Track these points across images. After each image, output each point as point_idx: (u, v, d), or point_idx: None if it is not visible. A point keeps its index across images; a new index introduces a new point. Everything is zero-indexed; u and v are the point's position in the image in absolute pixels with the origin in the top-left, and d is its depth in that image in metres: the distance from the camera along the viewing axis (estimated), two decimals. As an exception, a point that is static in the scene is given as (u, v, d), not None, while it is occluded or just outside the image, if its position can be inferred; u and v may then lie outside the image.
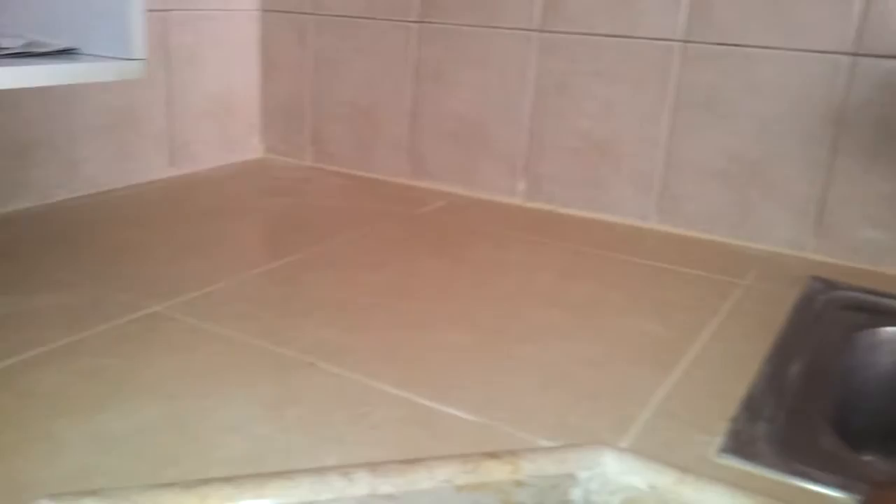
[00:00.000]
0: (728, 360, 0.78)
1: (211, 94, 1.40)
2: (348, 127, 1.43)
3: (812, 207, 1.09)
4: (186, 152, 1.37)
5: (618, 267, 1.04)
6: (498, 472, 0.57)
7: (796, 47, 1.06)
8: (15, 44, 0.91)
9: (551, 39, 1.22)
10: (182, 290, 0.88)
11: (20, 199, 1.13)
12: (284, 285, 0.93)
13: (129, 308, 0.82)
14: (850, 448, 0.64)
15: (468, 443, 0.61)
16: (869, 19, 1.01)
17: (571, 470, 0.59)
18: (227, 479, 0.54)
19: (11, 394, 0.65)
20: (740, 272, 1.02)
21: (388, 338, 0.80)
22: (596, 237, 1.15)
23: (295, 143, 1.50)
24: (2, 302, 0.82)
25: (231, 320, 0.81)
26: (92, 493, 0.52)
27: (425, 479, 0.56)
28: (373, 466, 0.56)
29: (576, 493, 0.59)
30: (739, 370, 0.75)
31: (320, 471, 0.55)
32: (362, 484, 0.54)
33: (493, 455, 0.58)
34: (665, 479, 0.58)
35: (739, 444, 0.62)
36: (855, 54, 1.03)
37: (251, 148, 1.51)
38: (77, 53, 0.95)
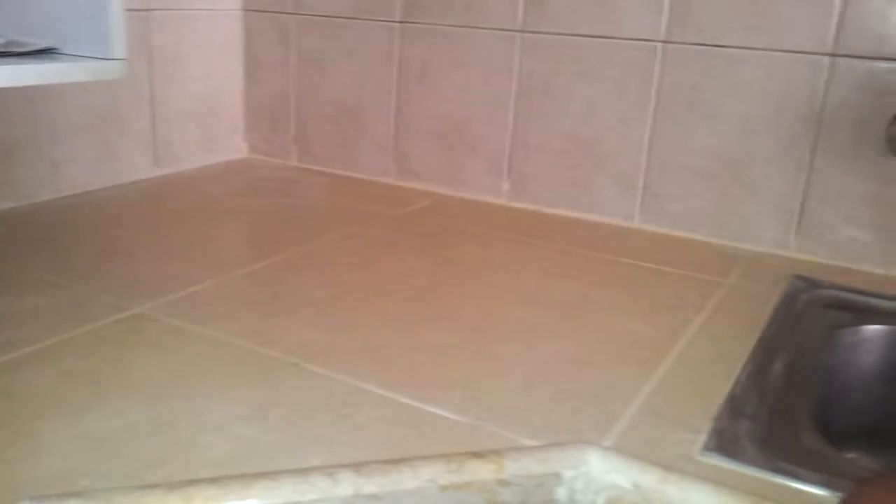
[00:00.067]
0: (712, 358, 0.79)
1: (194, 94, 1.39)
2: (332, 127, 1.43)
3: (794, 207, 1.10)
4: (170, 152, 1.36)
5: (602, 266, 1.04)
6: (482, 471, 0.57)
7: (777, 48, 1.06)
8: (-6, 43, 0.91)
9: (534, 40, 1.22)
10: (166, 290, 0.87)
11: (2, 199, 1.12)
12: (269, 286, 0.92)
13: (113, 309, 0.82)
14: (832, 445, 0.65)
15: (453, 442, 0.61)
16: (847, 20, 1.02)
17: (556, 469, 0.59)
18: (212, 480, 0.54)
19: (-7, 396, 0.65)
20: (724, 271, 1.03)
21: (372, 338, 0.80)
22: (580, 237, 1.15)
23: (279, 143, 1.50)
24: (-17, 303, 0.82)
25: (215, 321, 0.81)
26: (75, 494, 0.52)
27: (409, 479, 0.56)
28: (357, 467, 0.56)
29: (560, 492, 0.59)
30: (723, 368, 0.76)
31: (304, 471, 0.55)
32: (346, 484, 0.54)
33: (477, 454, 0.58)
34: (649, 478, 0.58)
35: (723, 442, 0.63)
36: (834, 55, 1.04)
37: (235, 148, 1.51)
38: (57, 53, 0.95)
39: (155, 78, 1.31)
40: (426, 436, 0.62)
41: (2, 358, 0.71)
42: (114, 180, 1.27)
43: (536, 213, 1.26)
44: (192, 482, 0.53)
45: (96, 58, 0.93)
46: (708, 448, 0.62)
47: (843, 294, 0.97)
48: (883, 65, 1.01)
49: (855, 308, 0.94)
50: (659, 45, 1.14)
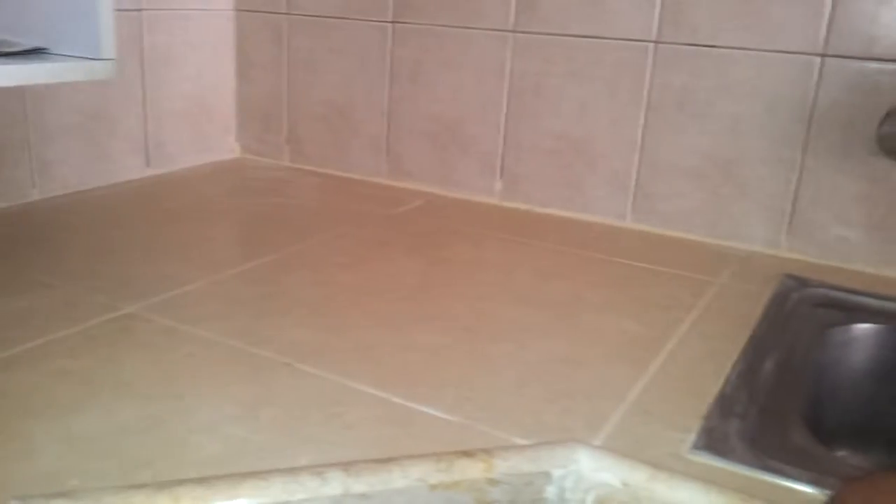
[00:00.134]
0: (702, 357, 0.79)
1: (186, 95, 1.39)
2: (325, 127, 1.43)
3: (785, 206, 1.10)
4: (162, 152, 1.36)
5: (594, 266, 1.04)
6: (472, 470, 0.57)
7: (768, 48, 1.07)
8: (-15, 43, 0.90)
9: (526, 40, 1.22)
10: (157, 290, 0.87)
11: (-7, 199, 1.12)
12: (260, 285, 0.92)
13: (104, 309, 0.82)
14: (822, 444, 0.65)
15: (444, 442, 0.61)
16: (837, 21, 1.02)
17: (545, 468, 0.59)
18: (200, 480, 0.54)
19: (-17, 396, 0.65)
20: (715, 270, 1.03)
21: (364, 337, 0.80)
22: (572, 236, 1.15)
23: (271, 143, 1.49)
24: (-27, 304, 0.82)
25: (207, 321, 0.81)
26: (62, 494, 0.52)
27: (399, 478, 0.56)
28: (346, 466, 0.56)
29: (550, 491, 0.59)
30: (714, 367, 0.76)
31: (293, 471, 0.55)
32: (336, 483, 0.54)
33: (466, 453, 0.58)
34: (638, 476, 0.58)
35: (712, 441, 0.63)
36: (824, 55, 1.04)
37: (227, 148, 1.51)
38: (46, 53, 0.95)
39: (147, 78, 1.31)
40: (417, 435, 0.62)
41: (-8, 358, 0.71)
42: (105, 180, 1.27)
43: (529, 212, 1.27)
44: (180, 482, 0.53)
45: (87, 58, 0.93)
46: (697, 446, 0.62)
47: (833, 293, 0.97)
48: (873, 65, 1.02)
49: (845, 307, 0.94)
50: (650, 45, 1.14)
